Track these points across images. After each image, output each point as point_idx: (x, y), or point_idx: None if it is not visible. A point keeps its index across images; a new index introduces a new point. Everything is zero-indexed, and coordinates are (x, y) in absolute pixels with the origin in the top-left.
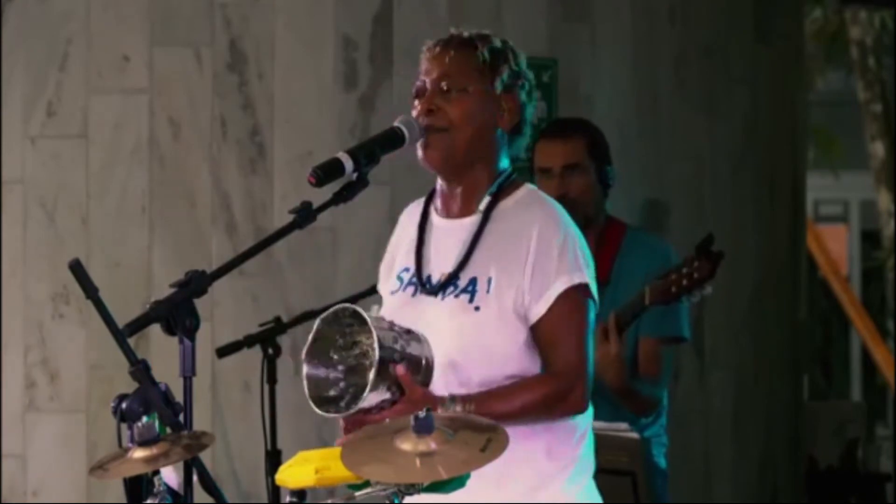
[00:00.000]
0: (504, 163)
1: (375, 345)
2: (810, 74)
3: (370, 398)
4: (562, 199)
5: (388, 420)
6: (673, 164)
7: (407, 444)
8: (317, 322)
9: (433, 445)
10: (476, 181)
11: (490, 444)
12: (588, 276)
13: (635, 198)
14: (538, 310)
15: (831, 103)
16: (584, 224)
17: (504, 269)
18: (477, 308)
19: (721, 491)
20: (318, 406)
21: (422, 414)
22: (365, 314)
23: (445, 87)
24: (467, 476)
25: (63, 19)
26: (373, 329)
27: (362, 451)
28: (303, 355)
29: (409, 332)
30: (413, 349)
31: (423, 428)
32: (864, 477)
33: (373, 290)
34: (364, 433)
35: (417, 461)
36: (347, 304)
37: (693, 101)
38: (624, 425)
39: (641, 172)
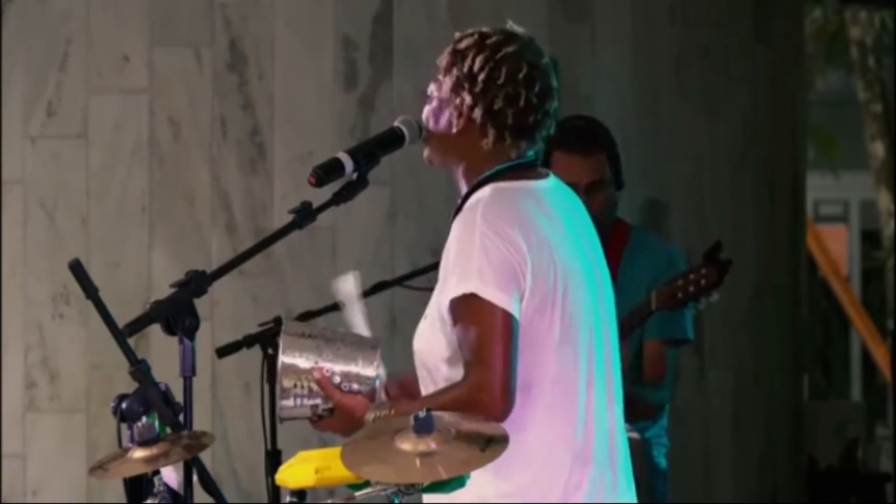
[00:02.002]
0: (486, 163)
1: (280, 354)
2: (810, 74)
3: (288, 409)
4: None
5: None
6: (673, 164)
7: (407, 444)
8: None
9: (433, 445)
10: (458, 185)
11: (490, 445)
12: (479, 282)
13: (635, 198)
14: (446, 317)
15: (831, 103)
16: (601, 233)
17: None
18: (425, 316)
19: (721, 491)
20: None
21: (422, 414)
22: (284, 325)
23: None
24: (467, 476)
25: (63, 19)
26: (280, 339)
27: (362, 451)
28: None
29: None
30: (339, 362)
31: (423, 428)
32: (864, 477)
33: (373, 290)
34: (364, 433)
35: (417, 461)
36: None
37: (693, 101)
38: (625, 426)
39: (641, 172)
